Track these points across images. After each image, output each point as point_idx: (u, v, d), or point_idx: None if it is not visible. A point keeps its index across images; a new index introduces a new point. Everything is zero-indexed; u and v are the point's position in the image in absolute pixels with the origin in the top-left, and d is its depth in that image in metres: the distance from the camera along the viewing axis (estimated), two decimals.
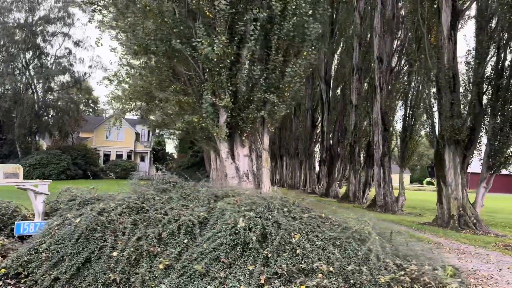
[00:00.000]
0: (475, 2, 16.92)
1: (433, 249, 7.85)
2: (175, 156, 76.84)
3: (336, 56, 34.67)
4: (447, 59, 16.50)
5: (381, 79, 22.48)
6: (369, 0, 25.70)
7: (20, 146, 43.60)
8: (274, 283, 4.75)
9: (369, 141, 25.89)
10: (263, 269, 4.94)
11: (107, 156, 56.08)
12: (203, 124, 10.15)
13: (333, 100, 33.75)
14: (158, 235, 5.81)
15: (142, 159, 59.75)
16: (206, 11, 8.91)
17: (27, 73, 43.95)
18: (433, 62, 16.96)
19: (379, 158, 22.84)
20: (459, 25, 16.81)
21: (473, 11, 18.61)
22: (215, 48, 8.80)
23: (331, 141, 32.97)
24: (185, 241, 5.69)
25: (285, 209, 6.16)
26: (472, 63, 17.25)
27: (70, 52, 46.01)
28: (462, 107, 17.18)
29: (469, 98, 17.45)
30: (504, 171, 60.12)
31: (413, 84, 21.36)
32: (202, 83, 10.05)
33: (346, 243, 5.49)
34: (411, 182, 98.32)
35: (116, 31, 16.67)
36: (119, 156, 56.50)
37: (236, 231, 5.50)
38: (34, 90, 44.23)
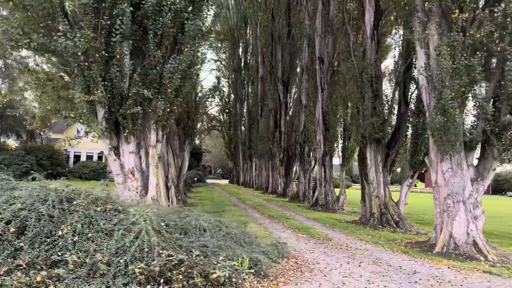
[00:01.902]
0: None
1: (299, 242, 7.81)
2: None
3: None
4: (370, 58, 16.65)
5: (322, 79, 22.64)
6: (316, 1, 25.82)
7: None
8: (16, 273, 4.72)
9: None
10: (9, 260, 4.92)
11: (77, 157, 55.60)
12: (80, 121, 10.10)
13: (292, 100, 33.87)
14: None
15: None
16: (70, 5, 8.90)
17: None
18: (358, 61, 17.10)
19: (320, 158, 22.97)
20: (381, 24, 16.92)
21: None
22: (77, 42, 8.76)
23: (287, 142, 33.04)
24: None
25: (65, 202, 5.96)
26: (400, 62, 17.43)
27: None
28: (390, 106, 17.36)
29: (395, 97, 17.63)
30: None
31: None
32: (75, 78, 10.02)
33: (120, 235, 5.47)
34: (391, 183, 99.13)
35: None
36: (89, 157, 56.05)
37: None
38: None
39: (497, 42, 10.30)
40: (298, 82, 32.14)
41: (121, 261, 4.90)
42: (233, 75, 56.84)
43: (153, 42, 9.94)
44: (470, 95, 10.73)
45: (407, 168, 17.01)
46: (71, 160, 53.83)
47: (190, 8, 10.02)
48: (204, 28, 10.63)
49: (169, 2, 9.61)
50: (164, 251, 5.27)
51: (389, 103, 16.98)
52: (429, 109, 11.70)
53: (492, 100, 11.14)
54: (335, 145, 23.58)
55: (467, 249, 11.31)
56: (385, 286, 6.48)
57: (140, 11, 9.85)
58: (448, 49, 10.51)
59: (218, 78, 61.03)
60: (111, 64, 9.64)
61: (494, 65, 10.77)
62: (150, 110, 10.36)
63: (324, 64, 22.52)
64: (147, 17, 9.83)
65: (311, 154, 27.90)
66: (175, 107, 10.83)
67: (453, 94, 10.57)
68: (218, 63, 60.55)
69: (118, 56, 9.47)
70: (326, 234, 12.62)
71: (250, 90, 51.19)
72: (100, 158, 56.77)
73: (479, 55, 10.81)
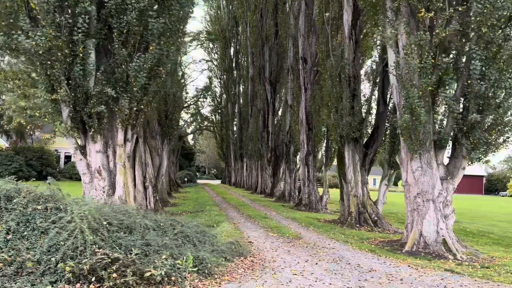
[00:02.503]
0: None
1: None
2: None
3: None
4: (347, 57, 16.66)
5: (306, 79, 22.65)
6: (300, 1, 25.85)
7: None
8: None
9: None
10: None
11: (68, 157, 55.38)
12: (45, 120, 10.05)
13: (280, 101, 33.90)
14: None
15: None
16: (30, 3, 8.85)
17: None
18: (336, 61, 17.11)
19: (304, 157, 22.98)
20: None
21: None
22: (38, 41, 8.71)
23: (275, 142, 33.05)
24: None
25: (3, 201, 5.86)
26: (378, 61, 17.48)
27: None
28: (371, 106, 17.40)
29: (374, 97, 17.65)
30: (468, 172, 61.27)
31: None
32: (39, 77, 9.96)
33: (55, 233, 5.44)
34: None
35: None
36: None
37: None
38: None
39: (463, 41, 10.34)
40: (285, 82, 32.16)
41: (52, 259, 4.87)
42: (224, 75, 56.82)
43: (118, 40, 9.90)
44: (438, 94, 10.74)
45: (385, 168, 17.04)
46: (62, 160, 53.61)
47: (155, 7, 9.96)
48: (173, 27, 10.57)
49: (133, 1, 9.57)
50: (101, 249, 5.24)
51: (367, 102, 16.99)
52: (399, 108, 11.72)
53: (461, 99, 11.19)
54: (320, 145, 23.61)
55: (436, 247, 11.34)
56: (330, 284, 6.48)
57: (105, 9, 9.80)
58: (415, 48, 10.53)
59: (210, 78, 61.01)
60: (75, 62, 9.59)
61: (463, 64, 10.78)
62: (116, 109, 10.30)
63: (308, 64, 22.54)
64: (111, 16, 9.79)
65: (298, 154, 27.90)
66: (143, 106, 10.78)
67: (420, 93, 10.60)
68: (210, 63, 60.58)
69: (81, 55, 9.42)
70: (298, 233, 12.61)
71: (241, 90, 51.20)
72: None
73: (447, 54, 10.87)
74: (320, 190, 23.35)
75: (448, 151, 12.20)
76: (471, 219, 24.41)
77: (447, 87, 10.77)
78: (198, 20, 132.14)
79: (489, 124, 10.74)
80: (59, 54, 9.23)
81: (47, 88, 9.58)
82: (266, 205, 23.54)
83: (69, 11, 9.24)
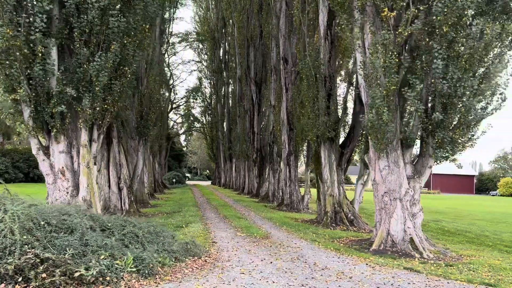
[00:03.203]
0: None
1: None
2: None
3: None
4: (323, 57, 16.70)
5: (287, 79, 22.68)
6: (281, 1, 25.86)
7: None
8: None
9: None
10: None
11: None
12: (6, 120, 9.98)
13: (265, 101, 33.87)
14: None
15: None
16: None
17: None
18: (312, 61, 17.14)
19: (285, 158, 22.99)
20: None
21: None
22: None
23: (261, 142, 33.05)
24: None
25: None
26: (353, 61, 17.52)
27: None
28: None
29: (352, 96, 17.70)
30: (459, 172, 61.79)
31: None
32: None
33: None
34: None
35: None
36: None
37: None
38: None
39: (427, 40, 10.38)
40: (269, 83, 32.16)
41: None
42: (214, 76, 56.79)
43: (79, 40, 9.84)
44: (404, 93, 10.75)
45: (361, 167, 17.08)
46: None
47: (118, 6, 9.92)
48: (137, 26, 10.53)
49: (93, 0, 9.52)
50: (33, 249, 5.19)
51: (343, 102, 17.03)
52: (366, 107, 11.75)
53: (427, 98, 11.25)
54: (302, 145, 23.61)
55: (404, 246, 11.37)
56: (273, 282, 6.47)
57: (65, 9, 9.74)
58: (380, 47, 10.56)
59: (200, 79, 60.98)
60: (35, 62, 9.52)
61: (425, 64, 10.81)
62: (79, 109, 10.24)
63: (289, 64, 22.57)
64: (72, 15, 9.74)
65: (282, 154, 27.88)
66: (108, 106, 10.73)
67: (385, 92, 10.63)
68: (200, 64, 60.55)
69: (40, 55, 9.36)
70: (268, 232, 12.60)
71: (230, 91, 51.17)
72: None
73: (413, 53, 10.92)
74: (302, 190, 23.38)
75: (417, 150, 12.28)
76: (453, 218, 24.56)
77: (414, 87, 10.77)
78: (186, 21, 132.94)
79: (455, 123, 10.81)
80: (18, 53, 9.16)
81: (6, 88, 9.51)
82: (248, 205, 23.52)
83: (28, 10, 9.16)
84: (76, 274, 5.00)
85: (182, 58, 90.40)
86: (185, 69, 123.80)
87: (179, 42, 53.13)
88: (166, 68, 53.49)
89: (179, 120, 61.74)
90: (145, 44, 11.61)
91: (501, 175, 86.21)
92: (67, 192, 10.55)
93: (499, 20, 10.26)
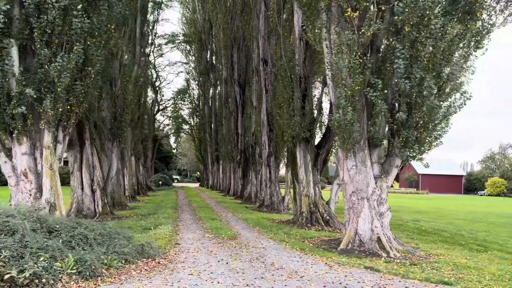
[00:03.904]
0: None
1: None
2: None
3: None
4: (298, 58, 16.73)
5: (266, 80, 22.70)
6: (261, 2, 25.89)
7: None
8: None
9: None
10: None
11: None
12: None
13: (248, 102, 33.86)
14: None
15: None
16: None
17: None
18: (287, 61, 17.16)
19: (265, 158, 22.99)
20: None
21: None
22: None
23: (245, 144, 33.01)
24: None
25: None
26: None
27: None
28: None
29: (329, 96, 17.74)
30: (447, 172, 62.64)
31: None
32: None
33: None
34: None
35: None
36: None
37: None
38: None
39: (391, 40, 10.44)
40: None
41: None
42: (201, 78, 56.68)
43: (40, 40, 9.75)
44: (366, 93, 10.80)
45: (338, 167, 17.10)
46: None
47: (80, 6, 9.84)
48: (101, 26, 10.46)
49: (53, 0, 9.44)
50: None
51: (318, 102, 17.08)
52: (334, 107, 11.79)
53: (392, 98, 11.31)
54: (283, 146, 23.60)
55: (371, 245, 11.40)
56: (218, 282, 6.45)
57: (25, 9, 9.65)
58: (344, 48, 10.60)
59: (187, 80, 60.84)
60: None
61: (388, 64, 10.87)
62: (41, 110, 10.13)
63: (268, 65, 22.60)
64: (32, 15, 9.64)
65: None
66: (72, 107, 10.63)
67: (349, 92, 10.67)
68: (187, 65, 60.42)
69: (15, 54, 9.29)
70: (238, 233, 12.57)
71: (217, 92, 51.09)
72: (66, 163, 55.66)
73: (377, 53, 10.98)
74: (283, 191, 23.39)
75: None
76: (433, 218, 24.72)
77: (377, 87, 10.82)
78: (172, 23, 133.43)
79: (421, 122, 10.87)
80: None
81: None
82: (229, 207, 23.46)
83: None
84: (6, 277, 4.93)
85: (169, 59, 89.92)
86: (172, 70, 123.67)
87: (166, 44, 53.04)
88: (152, 70, 53.32)
89: (166, 121, 61.54)
90: (111, 45, 11.52)
91: (489, 175, 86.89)
92: (30, 195, 10.43)
93: (462, 21, 10.36)
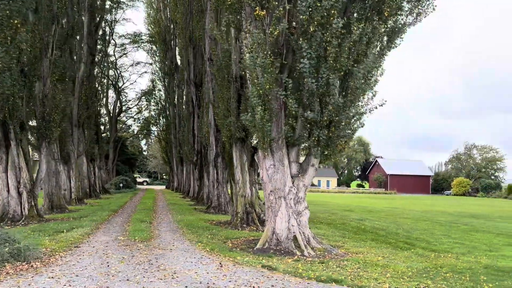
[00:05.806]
0: None
1: None
2: None
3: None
4: (234, 58, 16.68)
5: (213, 80, 22.51)
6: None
7: None
8: None
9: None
10: None
11: None
12: None
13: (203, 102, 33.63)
14: None
15: None
16: None
17: None
18: (224, 61, 17.09)
19: (213, 159, 22.84)
20: None
21: None
22: None
23: (201, 145, 32.73)
24: None
25: None
26: None
27: None
28: None
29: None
30: (415, 173, 63.85)
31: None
32: None
33: None
34: (338, 185, 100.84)
35: None
36: None
37: None
38: None
39: (299, 40, 10.48)
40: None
41: None
42: (166, 79, 56.07)
43: None
44: (275, 92, 10.79)
45: None
46: None
47: None
48: (3, 21, 10.10)
49: None
50: None
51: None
52: (248, 106, 11.76)
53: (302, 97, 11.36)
54: None
55: (287, 244, 11.41)
56: (70, 286, 6.28)
57: None
58: (255, 47, 10.58)
59: (153, 81, 60.10)
60: None
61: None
62: None
63: (214, 65, 22.43)
64: None
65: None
66: None
67: (261, 91, 10.65)
68: (154, 66, 59.70)
69: None
70: (156, 236, 12.37)
71: (180, 93, 50.60)
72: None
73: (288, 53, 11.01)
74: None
75: None
76: (380, 217, 25.12)
77: (287, 86, 10.84)
78: (134, 23, 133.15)
79: (332, 122, 10.95)
80: None
81: None
82: (177, 209, 23.16)
83: None
84: None
85: (134, 60, 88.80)
86: (136, 71, 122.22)
87: (130, 44, 52.26)
88: (115, 70, 52.40)
89: (129, 122, 60.59)
90: (16, 40, 11.11)
91: (455, 175, 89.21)
92: None
93: (370, 20, 10.48)
